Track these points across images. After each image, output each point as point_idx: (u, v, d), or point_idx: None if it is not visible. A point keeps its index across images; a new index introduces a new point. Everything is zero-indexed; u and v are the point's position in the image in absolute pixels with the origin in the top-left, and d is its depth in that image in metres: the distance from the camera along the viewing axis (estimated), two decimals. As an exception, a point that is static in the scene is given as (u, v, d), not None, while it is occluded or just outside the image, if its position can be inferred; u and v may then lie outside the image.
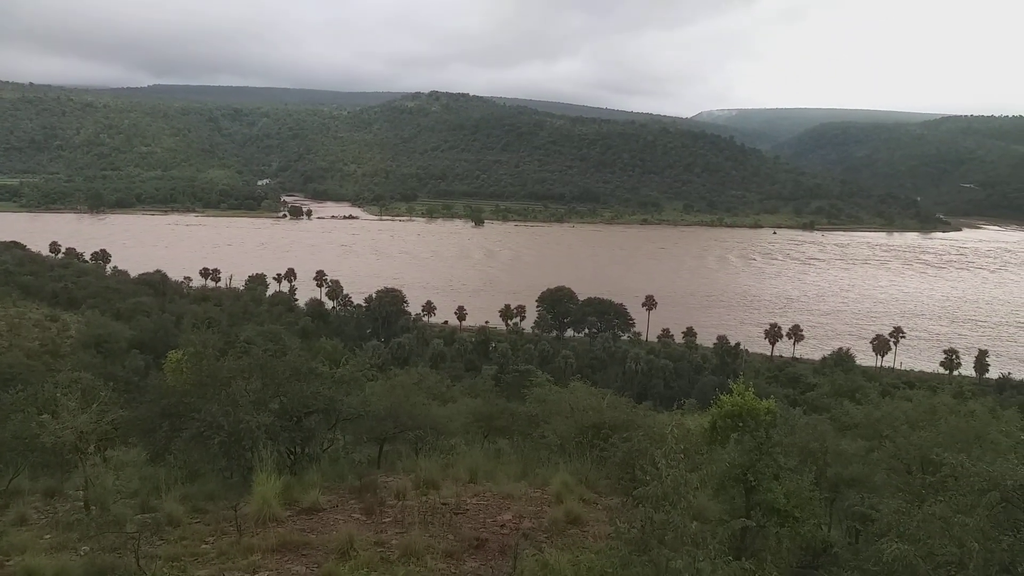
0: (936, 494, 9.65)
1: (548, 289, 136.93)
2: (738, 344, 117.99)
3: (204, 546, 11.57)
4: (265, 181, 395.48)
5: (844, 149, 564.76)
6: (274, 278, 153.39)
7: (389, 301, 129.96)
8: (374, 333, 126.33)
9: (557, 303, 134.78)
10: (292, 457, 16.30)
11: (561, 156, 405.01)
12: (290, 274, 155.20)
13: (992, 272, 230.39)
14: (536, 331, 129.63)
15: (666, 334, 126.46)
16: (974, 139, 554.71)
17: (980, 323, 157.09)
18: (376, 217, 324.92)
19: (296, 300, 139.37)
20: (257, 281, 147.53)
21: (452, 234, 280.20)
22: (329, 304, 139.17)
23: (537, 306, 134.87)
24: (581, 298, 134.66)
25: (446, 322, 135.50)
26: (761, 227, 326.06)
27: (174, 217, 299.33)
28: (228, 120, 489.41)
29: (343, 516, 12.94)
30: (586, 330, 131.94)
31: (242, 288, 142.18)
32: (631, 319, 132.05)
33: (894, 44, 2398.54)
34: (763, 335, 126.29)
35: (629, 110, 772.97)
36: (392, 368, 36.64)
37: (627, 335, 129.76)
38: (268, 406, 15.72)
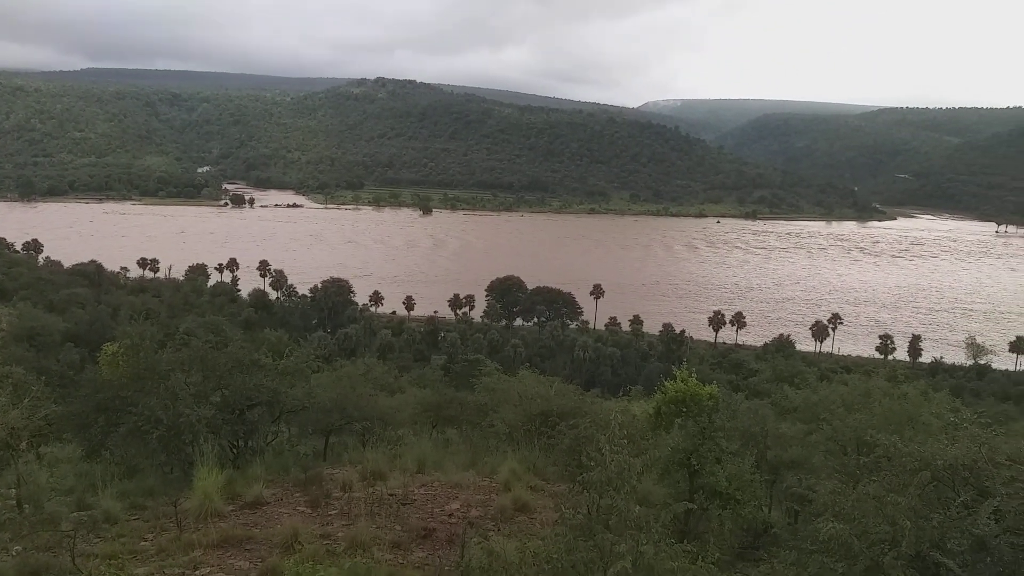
0: (870, 474, 9.97)
1: (497, 278, 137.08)
2: (683, 331, 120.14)
3: (143, 543, 11.27)
4: (205, 168, 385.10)
5: (785, 140, 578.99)
6: (215, 268, 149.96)
7: (335, 291, 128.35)
8: (320, 324, 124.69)
9: (506, 292, 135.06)
10: (235, 451, 15.99)
11: (509, 145, 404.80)
12: (232, 264, 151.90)
13: (926, 260, 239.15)
14: (485, 320, 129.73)
15: (613, 322, 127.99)
16: (909, 131, 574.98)
17: (914, 309, 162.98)
18: (321, 205, 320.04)
19: (239, 291, 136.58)
20: (198, 271, 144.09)
21: (400, 223, 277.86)
22: (273, 295, 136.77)
23: (486, 295, 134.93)
24: (530, 287, 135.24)
25: (394, 312, 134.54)
26: (705, 216, 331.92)
27: (110, 205, 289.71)
28: (166, 105, 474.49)
29: (288, 509, 12.75)
30: (535, 319, 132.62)
31: (182, 279, 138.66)
32: (579, 308, 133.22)
33: (833, 37, 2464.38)
34: (707, 322, 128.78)
35: (576, 99, 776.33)
36: (338, 359, 36.17)
37: (575, 324, 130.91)
38: (209, 399, 15.38)
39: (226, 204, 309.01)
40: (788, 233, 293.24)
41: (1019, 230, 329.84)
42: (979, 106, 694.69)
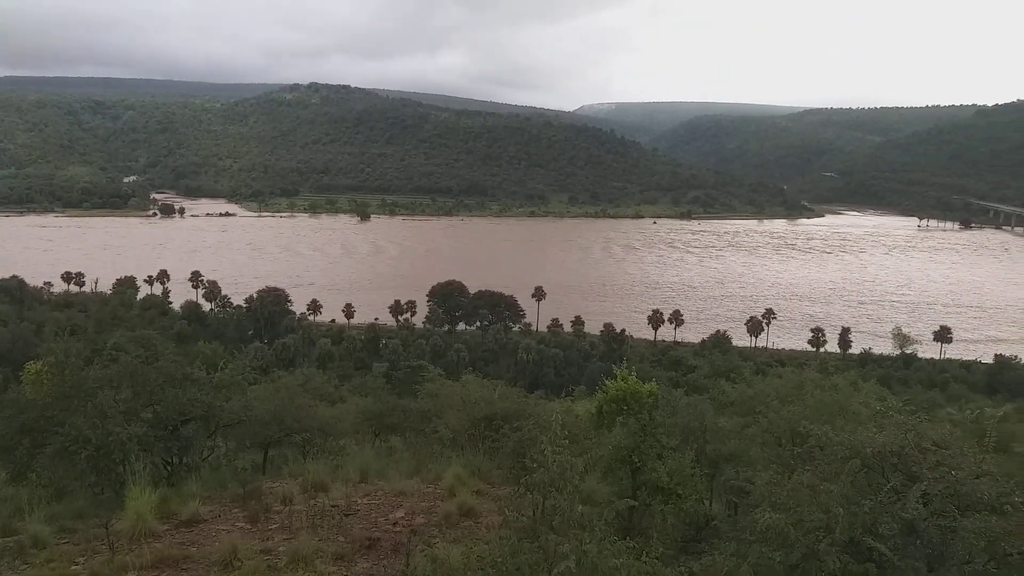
0: (804, 464, 10.25)
1: (439, 283, 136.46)
2: (623, 331, 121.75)
3: (74, 567, 10.81)
4: (132, 178, 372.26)
5: (717, 141, 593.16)
6: (145, 280, 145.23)
7: (272, 301, 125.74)
8: (256, 335, 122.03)
9: (448, 297, 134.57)
10: (169, 468, 15.50)
11: (447, 149, 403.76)
12: (163, 275, 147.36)
13: (855, 255, 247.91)
14: (427, 326, 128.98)
15: (555, 324, 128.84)
16: (833, 130, 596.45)
17: (845, 302, 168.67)
18: (255, 214, 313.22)
19: (170, 303, 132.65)
20: (126, 284, 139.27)
21: (337, 230, 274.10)
22: (207, 306, 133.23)
23: (428, 301, 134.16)
24: (472, 291, 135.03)
25: (333, 320, 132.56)
26: (642, 217, 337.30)
27: (31, 218, 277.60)
28: (89, 113, 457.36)
29: (226, 526, 12.41)
30: (478, 323, 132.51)
31: (110, 292, 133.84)
32: (522, 310, 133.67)
33: (758, 41, 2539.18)
34: (647, 321, 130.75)
35: (513, 103, 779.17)
36: (276, 370, 35.47)
37: (518, 326, 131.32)
38: (140, 416, 14.88)
39: (155, 214, 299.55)
40: (724, 232, 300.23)
41: (940, 224, 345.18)
42: (899, 106, 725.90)
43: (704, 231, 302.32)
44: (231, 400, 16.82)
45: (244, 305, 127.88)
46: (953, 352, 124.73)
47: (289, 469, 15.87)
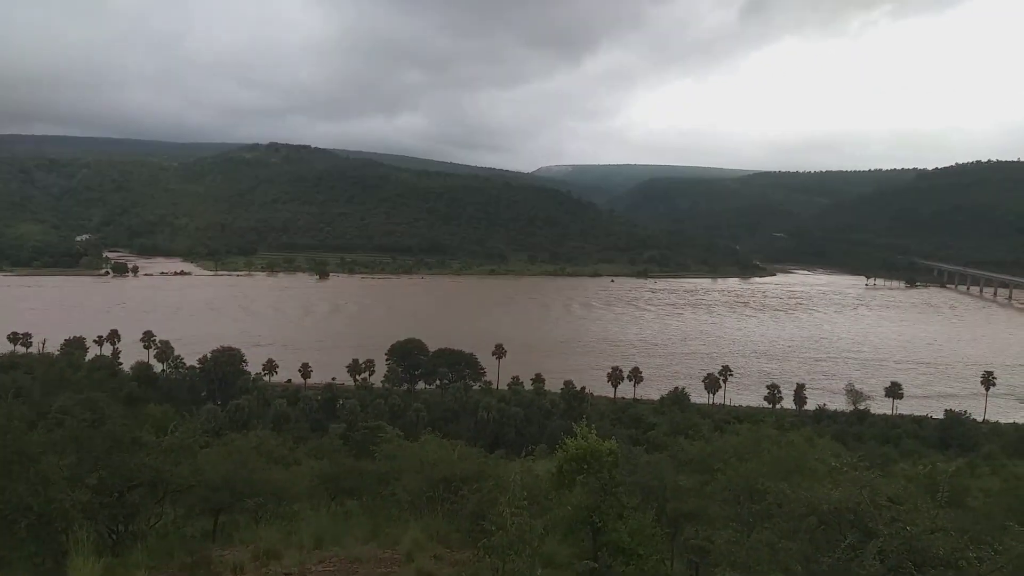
0: (763, 522, 10.29)
1: (398, 341, 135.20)
2: (583, 388, 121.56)
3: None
4: (85, 236, 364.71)
5: (670, 202, 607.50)
6: (95, 341, 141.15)
7: (226, 361, 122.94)
8: (210, 396, 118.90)
9: (407, 355, 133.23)
10: (114, 536, 14.86)
11: (408, 209, 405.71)
12: (113, 336, 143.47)
13: (809, 313, 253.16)
14: (386, 385, 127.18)
15: (516, 381, 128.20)
16: (782, 192, 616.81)
17: (800, 359, 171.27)
18: (211, 273, 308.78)
19: (120, 364, 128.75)
20: (75, 345, 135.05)
21: (295, 288, 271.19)
22: (159, 367, 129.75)
23: (387, 359, 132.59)
24: (432, 349, 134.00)
25: (289, 380, 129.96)
26: (600, 275, 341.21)
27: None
28: (43, 172, 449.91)
29: (172, 597, 11.89)
30: (437, 381, 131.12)
31: (57, 353, 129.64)
32: (482, 368, 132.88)
33: (705, 109, 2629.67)
34: (606, 378, 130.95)
35: (472, 164, 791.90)
36: (229, 433, 34.57)
37: (478, 384, 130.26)
38: (85, 482, 14.33)
39: (107, 273, 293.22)
40: (681, 290, 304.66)
41: (887, 283, 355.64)
42: (843, 169, 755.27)
43: (661, 289, 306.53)
44: (181, 464, 16.31)
45: (197, 366, 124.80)
46: (905, 408, 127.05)
47: (240, 536, 15.37)
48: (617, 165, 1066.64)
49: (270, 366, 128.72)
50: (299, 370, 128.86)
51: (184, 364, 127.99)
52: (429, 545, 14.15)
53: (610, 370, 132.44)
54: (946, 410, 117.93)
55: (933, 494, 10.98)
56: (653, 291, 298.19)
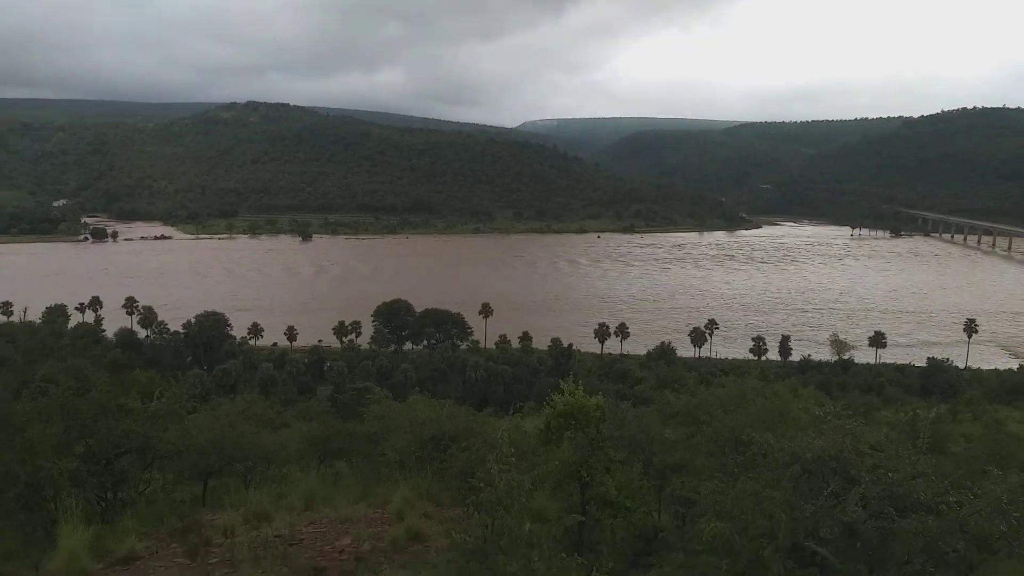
0: (747, 472, 10.42)
1: (384, 303, 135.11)
2: (571, 345, 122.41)
3: (0, 613, 10.27)
4: (62, 202, 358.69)
5: (656, 155, 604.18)
6: (76, 308, 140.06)
7: (210, 325, 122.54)
8: (195, 361, 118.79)
9: (394, 316, 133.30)
10: (103, 504, 14.88)
11: (390, 167, 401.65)
12: (95, 303, 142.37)
13: (795, 264, 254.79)
14: (373, 347, 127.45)
15: (503, 340, 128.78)
16: (768, 143, 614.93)
17: (786, 311, 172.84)
18: (192, 236, 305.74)
19: (104, 331, 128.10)
20: (57, 313, 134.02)
21: (278, 250, 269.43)
22: (142, 333, 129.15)
23: (373, 321, 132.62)
24: (418, 310, 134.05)
25: (275, 344, 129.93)
26: (586, 232, 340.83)
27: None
28: (16, 136, 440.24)
29: (164, 562, 11.95)
30: (424, 342, 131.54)
31: (39, 321, 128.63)
32: (469, 328, 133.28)
33: (692, 59, 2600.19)
34: (593, 335, 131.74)
35: (456, 120, 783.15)
36: (216, 397, 34.55)
37: (466, 344, 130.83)
38: (72, 450, 14.32)
39: (86, 239, 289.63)
40: (667, 244, 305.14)
41: (872, 232, 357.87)
42: (830, 119, 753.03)
43: (648, 244, 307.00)
44: (168, 430, 16.28)
45: (181, 331, 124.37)
46: (888, 356, 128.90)
47: (230, 500, 15.41)
48: (602, 118, 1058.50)
49: (255, 330, 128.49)
50: (285, 333, 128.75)
51: (168, 330, 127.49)
52: (419, 504, 14.27)
53: (597, 326, 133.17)
54: (928, 358, 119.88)
55: (914, 441, 11.15)
56: (640, 246, 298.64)
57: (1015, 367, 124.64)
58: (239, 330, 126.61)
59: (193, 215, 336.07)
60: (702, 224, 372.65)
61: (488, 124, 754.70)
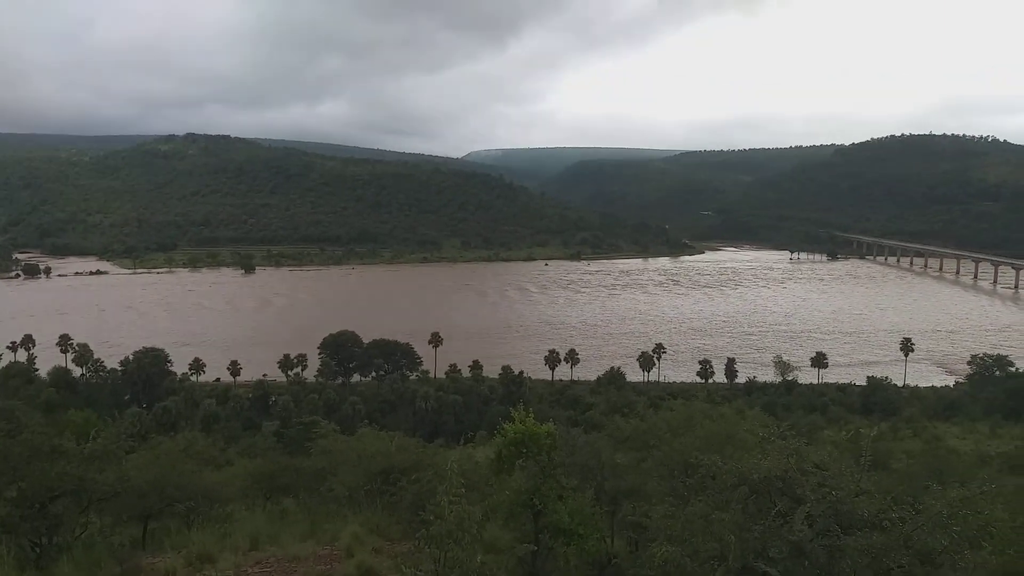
0: (697, 495, 10.53)
1: (331, 334, 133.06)
2: (521, 372, 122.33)
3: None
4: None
5: (601, 184, 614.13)
6: (8, 347, 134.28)
7: (149, 362, 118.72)
8: (134, 399, 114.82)
9: (341, 348, 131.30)
10: (37, 550, 14.21)
11: (335, 198, 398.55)
12: (27, 341, 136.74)
13: (739, 288, 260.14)
14: (320, 379, 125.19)
15: (454, 369, 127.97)
16: (708, 171, 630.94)
17: (731, 334, 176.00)
18: (129, 271, 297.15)
19: (36, 370, 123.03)
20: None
21: (219, 283, 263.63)
22: (78, 371, 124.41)
23: (319, 353, 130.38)
24: (366, 341, 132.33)
25: (218, 379, 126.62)
26: (534, 259, 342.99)
27: None
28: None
29: (101, 610, 11.43)
30: (373, 373, 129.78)
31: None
32: (419, 358, 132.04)
33: (632, 89, 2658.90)
34: (543, 361, 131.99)
35: (400, 150, 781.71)
36: (156, 436, 33.49)
37: (415, 374, 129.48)
38: (3, 494, 13.69)
39: (18, 275, 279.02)
40: (613, 272, 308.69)
41: (810, 256, 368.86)
42: (766, 147, 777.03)
43: (595, 271, 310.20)
44: (105, 471, 15.69)
45: (119, 368, 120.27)
46: (830, 376, 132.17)
47: (171, 542, 14.93)
48: (547, 148, 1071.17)
49: (197, 365, 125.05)
50: (228, 368, 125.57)
51: (105, 367, 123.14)
52: (369, 539, 14.02)
53: (547, 353, 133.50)
54: (868, 377, 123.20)
55: (857, 458, 11.43)
56: (588, 273, 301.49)
57: (951, 384, 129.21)
58: (180, 366, 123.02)
59: (130, 249, 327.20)
60: (646, 251, 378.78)
61: (434, 154, 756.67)
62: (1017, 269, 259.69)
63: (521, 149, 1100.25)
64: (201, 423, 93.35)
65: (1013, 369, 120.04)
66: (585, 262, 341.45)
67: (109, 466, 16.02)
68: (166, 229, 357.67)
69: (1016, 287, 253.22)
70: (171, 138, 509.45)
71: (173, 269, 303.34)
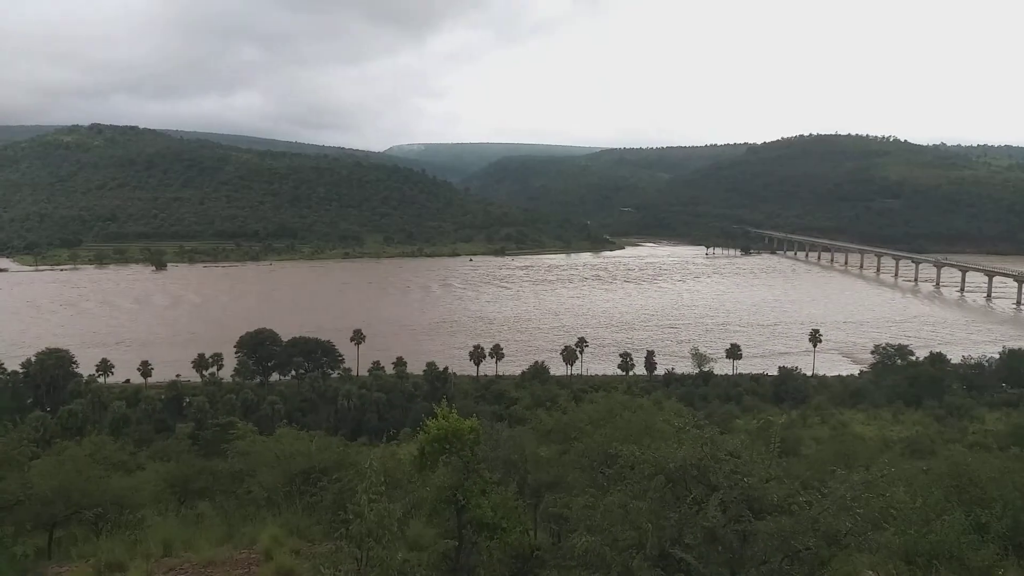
0: (616, 484, 10.76)
1: (248, 332, 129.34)
2: (446, 368, 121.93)
3: None
4: None
5: (524, 180, 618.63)
6: None
7: (53, 364, 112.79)
8: (36, 403, 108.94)
9: (259, 347, 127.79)
10: (-73, 567, 13.35)
11: (251, 191, 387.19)
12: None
13: (653, 283, 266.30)
14: (237, 379, 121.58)
15: (377, 366, 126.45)
16: (627, 168, 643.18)
17: (652, 327, 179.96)
18: (31, 268, 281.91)
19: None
20: None
21: (129, 281, 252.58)
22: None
23: (236, 352, 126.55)
24: (285, 339, 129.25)
25: (128, 381, 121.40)
26: (459, 255, 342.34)
27: None
28: None
29: (-1, 627, 10.84)
30: (293, 372, 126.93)
31: None
32: (340, 355, 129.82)
33: (553, 85, 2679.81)
34: (468, 357, 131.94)
35: (319, 144, 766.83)
36: (61, 441, 31.96)
37: (337, 372, 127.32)
38: None
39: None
40: (542, 267, 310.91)
41: (724, 251, 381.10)
42: (683, 145, 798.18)
43: (520, 266, 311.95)
44: (6, 479, 14.91)
45: (20, 370, 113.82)
46: (744, 367, 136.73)
47: (79, 550, 14.28)
48: (470, 143, 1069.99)
49: (105, 366, 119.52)
50: (138, 369, 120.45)
51: (5, 370, 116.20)
52: (288, 541, 13.74)
53: (472, 349, 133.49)
54: (780, 367, 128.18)
55: (768, 446, 11.90)
56: (512, 269, 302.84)
57: (856, 373, 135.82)
58: (86, 368, 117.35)
59: (31, 245, 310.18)
60: (569, 246, 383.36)
61: (354, 148, 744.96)
62: (916, 263, 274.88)
63: (443, 144, 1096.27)
64: (110, 427, 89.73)
65: (913, 358, 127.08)
66: (510, 257, 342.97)
67: (10, 473, 15.26)
68: (70, 224, 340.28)
69: (915, 280, 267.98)
70: (75, 129, 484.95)
71: (78, 266, 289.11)
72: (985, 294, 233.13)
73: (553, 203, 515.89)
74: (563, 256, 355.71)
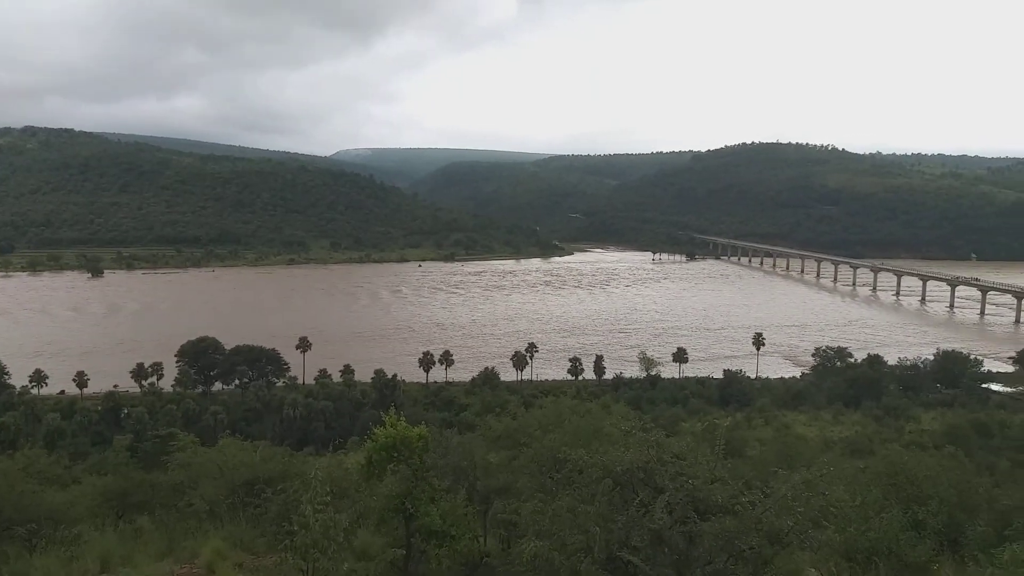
0: (564, 489, 10.81)
1: (189, 341, 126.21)
2: (395, 375, 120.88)
3: None
4: None
5: (473, 186, 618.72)
6: None
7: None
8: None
9: (201, 355, 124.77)
10: None
11: (192, 196, 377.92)
12: None
13: (602, 288, 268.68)
14: (178, 389, 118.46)
15: (324, 374, 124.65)
16: (576, 175, 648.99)
17: (598, 331, 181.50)
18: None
19: None
20: None
21: (63, 288, 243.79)
22: None
23: (177, 361, 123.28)
24: (229, 347, 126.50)
25: (63, 391, 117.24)
26: (407, 261, 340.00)
27: None
28: None
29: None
30: (236, 381, 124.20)
31: None
32: (286, 364, 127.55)
33: (503, 94, 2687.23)
34: (418, 364, 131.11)
35: (263, 148, 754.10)
36: (-10, 455, 30.66)
37: (282, 381, 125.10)
38: None
39: None
40: (493, 273, 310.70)
41: (670, 256, 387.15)
42: (629, 152, 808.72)
43: (469, 272, 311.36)
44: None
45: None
46: (691, 371, 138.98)
47: (11, 568, 13.73)
48: (417, 149, 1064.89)
49: (39, 377, 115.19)
50: (74, 379, 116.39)
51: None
52: (231, 554, 13.43)
53: (421, 355, 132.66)
54: (725, 370, 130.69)
55: (713, 447, 12.11)
56: (462, 275, 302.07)
57: (798, 375, 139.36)
58: (18, 378, 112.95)
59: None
60: (519, 252, 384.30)
61: (300, 152, 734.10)
62: (854, 268, 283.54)
63: (391, 149, 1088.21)
64: (44, 440, 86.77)
65: (852, 360, 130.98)
66: (459, 263, 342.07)
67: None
68: (2, 229, 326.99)
69: (854, 284, 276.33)
70: (7, 131, 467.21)
71: (10, 273, 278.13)
72: (919, 298, 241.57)
73: (502, 209, 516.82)
74: (513, 262, 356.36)
